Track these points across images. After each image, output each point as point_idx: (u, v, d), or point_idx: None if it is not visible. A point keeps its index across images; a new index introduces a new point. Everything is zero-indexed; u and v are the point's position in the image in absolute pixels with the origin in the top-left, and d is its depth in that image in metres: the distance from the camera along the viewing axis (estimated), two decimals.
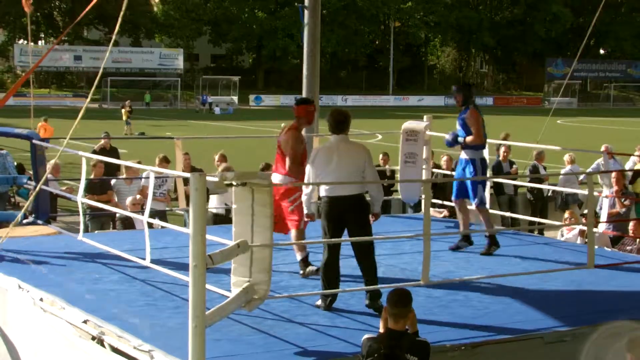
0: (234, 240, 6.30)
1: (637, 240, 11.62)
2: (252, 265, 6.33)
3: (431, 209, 9.22)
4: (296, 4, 13.98)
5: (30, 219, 11.01)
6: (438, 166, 15.86)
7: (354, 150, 7.65)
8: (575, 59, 59.24)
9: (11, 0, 64.32)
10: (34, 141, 10.82)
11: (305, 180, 7.86)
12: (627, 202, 13.73)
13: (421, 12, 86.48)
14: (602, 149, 16.65)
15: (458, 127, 10.09)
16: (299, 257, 8.64)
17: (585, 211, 13.91)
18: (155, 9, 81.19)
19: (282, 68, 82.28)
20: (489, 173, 12.88)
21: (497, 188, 16.11)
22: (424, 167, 11.90)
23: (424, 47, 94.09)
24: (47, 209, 11.23)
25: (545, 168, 17.14)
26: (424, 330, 6.01)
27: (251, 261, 6.33)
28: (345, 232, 7.68)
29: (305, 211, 8.01)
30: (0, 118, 36.37)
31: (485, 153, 10.37)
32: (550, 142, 16.44)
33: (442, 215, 13.39)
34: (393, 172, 15.52)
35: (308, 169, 7.77)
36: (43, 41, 79.68)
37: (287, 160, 8.52)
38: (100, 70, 11.36)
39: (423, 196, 11.20)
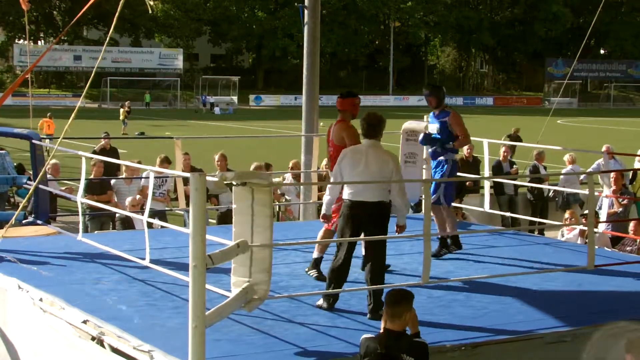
0: (234, 240, 6.29)
1: (638, 240, 11.62)
2: (252, 266, 6.32)
3: None
4: (296, 3, 13.98)
5: (30, 219, 11.00)
6: None
7: (383, 157, 7.54)
8: (575, 59, 59.22)
9: (11, 0, 64.33)
10: (33, 141, 10.81)
11: (333, 177, 7.79)
12: (624, 202, 13.74)
13: (421, 12, 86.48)
14: (603, 149, 16.65)
15: (434, 129, 9.88)
16: (315, 255, 8.61)
17: (585, 211, 13.91)
18: (150, 11, 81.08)
19: (282, 68, 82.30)
20: (488, 173, 12.90)
21: (498, 188, 16.12)
22: (424, 167, 11.89)
23: (424, 47, 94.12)
24: (46, 209, 11.22)
25: (545, 168, 17.14)
26: (424, 330, 6.01)
27: (251, 261, 6.32)
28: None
29: (322, 211, 7.98)
30: (0, 118, 36.37)
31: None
32: (550, 142, 16.46)
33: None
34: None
35: (336, 169, 7.67)
36: (43, 41, 79.66)
37: None
38: (94, 70, 11.34)
39: (423, 196, 11.19)
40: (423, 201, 10.03)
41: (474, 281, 8.32)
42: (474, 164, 16.36)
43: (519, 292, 8.16)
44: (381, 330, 5.77)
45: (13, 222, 9.92)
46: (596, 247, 9.09)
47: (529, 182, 15.63)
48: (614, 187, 13.19)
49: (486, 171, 12.62)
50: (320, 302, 7.50)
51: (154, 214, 12.42)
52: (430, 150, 10.10)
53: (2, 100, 11.13)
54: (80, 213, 10.30)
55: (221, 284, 7.26)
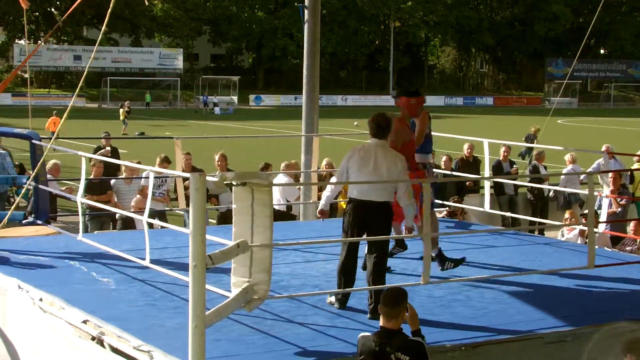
0: (234, 240, 6.29)
1: (638, 240, 11.62)
2: (252, 266, 6.32)
3: None
4: (296, 3, 13.99)
5: (30, 219, 11.00)
6: (437, 166, 15.85)
7: (392, 158, 7.53)
8: (575, 59, 59.19)
9: (11, 0, 64.34)
10: (33, 141, 10.81)
11: (338, 178, 7.79)
12: (622, 202, 13.75)
13: (421, 12, 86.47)
14: (603, 148, 16.65)
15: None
16: (433, 252, 8.59)
17: (585, 211, 13.91)
18: (147, 2, 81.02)
19: (282, 68, 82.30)
20: (488, 173, 12.89)
21: (498, 188, 16.12)
22: None
23: (424, 47, 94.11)
24: (46, 209, 11.22)
25: (546, 168, 17.15)
26: (425, 330, 6.01)
27: (251, 261, 6.32)
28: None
29: (320, 207, 7.91)
30: (0, 118, 36.36)
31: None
32: (550, 142, 16.46)
33: (441, 215, 13.38)
34: None
35: (342, 166, 7.64)
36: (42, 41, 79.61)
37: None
38: (86, 68, 11.36)
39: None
40: (423, 201, 10.02)
41: (474, 281, 8.32)
42: (474, 164, 16.37)
43: (519, 292, 8.17)
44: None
45: (6, 222, 9.92)
46: (596, 247, 9.09)
47: (529, 182, 15.63)
48: (612, 187, 13.20)
49: (486, 171, 12.62)
50: (332, 298, 7.52)
51: (154, 214, 12.42)
52: None
53: None
54: (80, 213, 10.30)
55: (221, 284, 7.26)
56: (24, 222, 10.85)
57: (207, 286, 5.66)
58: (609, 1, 76.82)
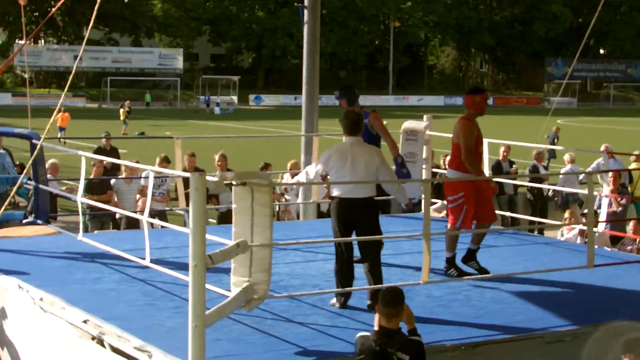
0: (234, 240, 6.29)
1: (638, 240, 11.63)
2: (252, 265, 6.33)
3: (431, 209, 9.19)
4: (296, 3, 13.98)
5: (30, 218, 11.00)
6: (437, 166, 15.86)
7: (367, 153, 7.62)
8: (574, 58, 59.11)
9: (11, 0, 64.30)
10: (34, 141, 10.82)
11: (313, 174, 7.79)
12: (623, 202, 13.76)
13: (421, 12, 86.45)
14: (602, 148, 16.66)
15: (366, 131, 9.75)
16: (447, 254, 8.67)
17: (585, 211, 13.91)
18: (155, 9, 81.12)
19: (282, 68, 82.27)
20: (488, 173, 12.89)
21: (497, 188, 16.11)
22: (424, 166, 11.90)
23: (424, 47, 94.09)
24: (46, 209, 11.22)
25: (545, 168, 17.15)
26: (425, 330, 6.01)
27: (251, 261, 6.33)
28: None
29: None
30: (0, 118, 36.37)
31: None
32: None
33: (441, 214, 13.39)
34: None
35: (319, 167, 7.70)
36: (43, 41, 79.66)
37: (462, 152, 8.52)
38: (74, 69, 11.36)
39: (423, 196, 11.19)
40: (423, 201, 10.03)
41: (474, 281, 8.32)
42: None
43: (518, 292, 8.17)
44: (375, 328, 5.78)
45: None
46: (596, 246, 9.09)
47: (529, 181, 15.63)
48: (612, 187, 13.21)
49: (486, 171, 12.61)
50: (334, 300, 7.54)
51: (154, 214, 12.43)
52: None
53: None
54: (80, 213, 10.31)
55: (221, 284, 7.26)
56: (24, 222, 10.85)
57: (207, 286, 5.67)
58: (608, 1, 76.73)
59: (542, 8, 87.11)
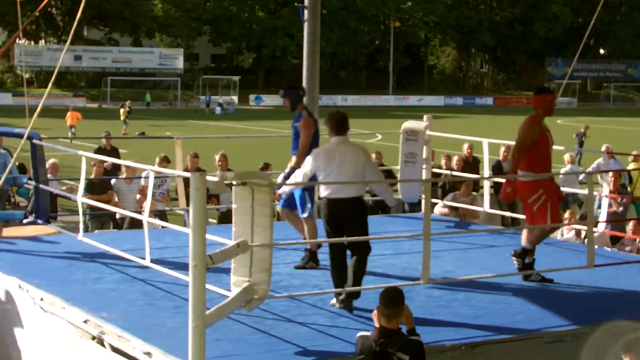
0: (234, 240, 6.30)
1: (638, 240, 11.62)
2: (252, 265, 6.33)
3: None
4: (296, 3, 13.98)
5: (30, 218, 11.00)
6: (439, 166, 15.86)
7: (354, 152, 7.66)
8: (574, 58, 59.09)
9: (11, 0, 64.29)
10: (34, 141, 10.82)
11: (301, 177, 7.82)
12: (624, 201, 13.75)
13: (421, 12, 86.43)
14: (603, 148, 16.66)
15: (292, 135, 9.51)
16: (528, 259, 8.52)
17: (582, 212, 13.92)
18: (155, 9, 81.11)
19: (282, 68, 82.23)
20: (488, 173, 12.89)
21: (498, 188, 16.09)
22: (424, 166, 11.90)
23: (424, 47, 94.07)
24: (47, 209, 11.22)
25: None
26: (424, 330, 6.02)
27: (251, 261, 6.33)
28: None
29: (280, 188, 8.16)
30: (0, 118, 36.39)
31: None
32: None
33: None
34: (391, 171, 15.51)
35: (307, 163, 7.73)
36: (43, 41, 79.65)
37: (514, 147, 8.51)
38: (56, 69, 11.39)
39: (423, 196, 11.20)
40: (423, 201, 10.03)
41: (474, 281, 8.32)
42: (473, 164, 16.36)
43: (519, 292, 8.17)
44: (376, 326, 5.77)
45: None
46: (596, 247, 9.09)
47: None
48: (612, 187, 13.20)
49: (486, 171, 12.62)
50: (333, 300, 7.54)
51: (155, 213, 12.43)
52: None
53: None
54: (80, 213, 10.31)
55: (221, 284, 7.26)
56: (24, 222, 10.85)
57: (207, 286, 5.67)
58: (608, 1, 76.71)
59: (542, 8, 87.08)
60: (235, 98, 72.10)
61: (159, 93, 74.76)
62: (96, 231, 13.11)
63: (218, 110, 64.09)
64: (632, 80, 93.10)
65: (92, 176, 13.71)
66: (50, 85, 11.56)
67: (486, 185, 12.87)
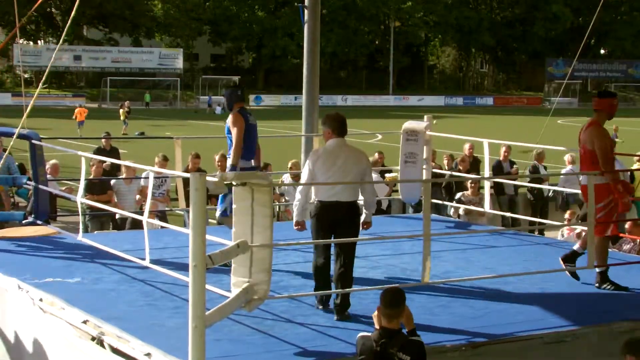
0: (234, 240, 6.29)
1: (638, 240, 11.61)
2: (252, 266, 6.33)
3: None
4: (296, 3, 13.96)
5: (30, 219, 11.00)
6: (440, 167, 15.86)
7: (357, 155, 7.52)
8: (575, 58, 59.12)
9: (11, 0, 64.33)
10: (33, 141, 10.82)
11: (307, 178, 7.58)
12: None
13: (421, 12, 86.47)
14: None
15: (226, 133, 9.35)
16: (598, 269, 8.34)
17: (581, 213, 13.89)
18: (155, 9, 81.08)
19: (282, 68, 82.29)
20: (488, 173, 12.89)
21: (498, 188, 16.11)
22: (424, 167, 11.89)
23: (424, 47, 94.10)
24: (46, 209, 11.22)
25: (545, 168, 17.14)
26: (424, 330, 6.01)
27: (251, 261, 6.32)
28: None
29: (296, 218, 7.64)
30: (0, 118, 36.39)
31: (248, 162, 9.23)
32: (550, 142, 16.44)
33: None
34: (391, 171, 15.52)
35: (309, 171, 7.48)
36: (42, 41, 79.67)
37: (600, 159, 8.26)
38: (48, 69, 11.38)
39: (423, 196, 11.20)
40: (423, 201, 10.02)
41: (474, 281, 8.32)
42: (474, 164, 16.37)
43: (519, 292, 8.17)
44: (376, 328, 5.77)
45: None
46: None
47: (529, 182, 15.63)
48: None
49: (486, 171, 12.62)
50: (316, 304, 7.48)
51: (155, 214, 12.42)
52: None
53: None
54: (80, 213, 10.31)
55: (221, 284, 7.26)
56: (24, 222, 10.85)
57: (207, 286, 5.67)
58: (609, 1, 76.72)
59: (542, 8, 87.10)
60: None
61: (159, 93, 74.79)
62: (96, 231, 13.11)
63: (218, 110, 64.05)
64: (632, 80, 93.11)
65: (92, 176, 13.70)
66: (40, 85, 11.58)
67: (486, 186, 12.87)
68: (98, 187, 13.88)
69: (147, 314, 7.24)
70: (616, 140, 29.74)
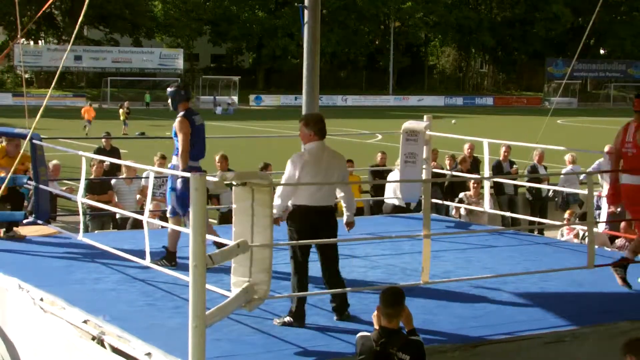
0: (234, 240, 6.29)
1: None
2: (252, 265, 6.33)
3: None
4: (296, 3, 13.95)
5: (30, 219, 11.01)
6: (441, 167, 15.86)
7: (337, 158, 7.42)
8: (574, 58, 59.18)
9: (11, 0, 64.30)
10: (34, 141, 10.82)
11: (294, 180, 7.32)
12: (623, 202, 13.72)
13: (421, 12, 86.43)
14: (606, 149, 16.61)
15: (173, 135, 9.27)
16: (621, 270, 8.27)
17: (580, 212, 13.91)
18: (155, 9, 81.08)
19: (282, 68, 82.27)
20: (488, 173, 12.90)
21: (498, 188, 16.12)
22: (424, 167, 11.90)
23: (424, 47, 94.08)
24: (47, 209, 11.23)
25: (545, 168, 17.14)
26: (424, 330, 6.02)
27: (251, 261, 6.33)
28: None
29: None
30: (0, 118, 36.40)
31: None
32: (550, 142, 16.44)
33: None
34: (390, 172, 15.51)
35: (291, 176, 7.21)
36: (43, 41, 79.63)
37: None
38: (59, 71, 11.39)
39: (423, 196, 11.20)
40: (423, 201, 10.02)
41: (474, 281, 8.32)
42: (473, 164, 16.38)
43: (518, 292, 8.17)
44: (375, 327, 5.77)
45: None
46: (596, 246, 9.08)
47: (528, 182, 15.63)
48: None
49: (486, 171, 12.62)
50: (287, 319, 7.06)
51: (157, 215, 12.41)
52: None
53: None
54: (80, 213, 10.31)
55: (221, 284, 7.26)
56: (24, 222, 10.85)
57: (207, 286, 5.67)
58: (608, 1, 76.73)
59: (542, 8, 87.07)
60: (235, 98, 72.08)
61: (159, 93, 74.71)
62: (96, 231, 13.11)
63: (218, 110, 64.09)
64: (632, 80, 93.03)
65: (92, 176, 13.70)
66: (52, 87, 11.56)
67: (486, 186, 12.87)
68: (99, 187, 13.89)
69: (148, 313, 7.25)
70: None
